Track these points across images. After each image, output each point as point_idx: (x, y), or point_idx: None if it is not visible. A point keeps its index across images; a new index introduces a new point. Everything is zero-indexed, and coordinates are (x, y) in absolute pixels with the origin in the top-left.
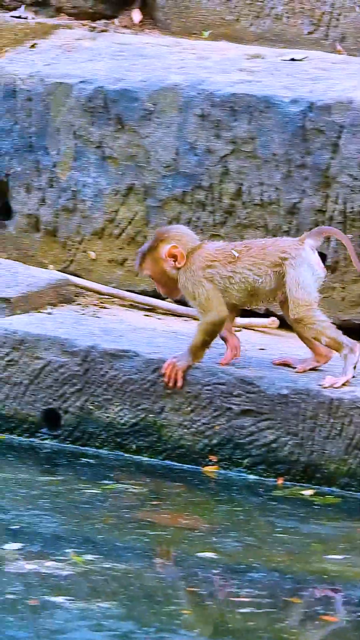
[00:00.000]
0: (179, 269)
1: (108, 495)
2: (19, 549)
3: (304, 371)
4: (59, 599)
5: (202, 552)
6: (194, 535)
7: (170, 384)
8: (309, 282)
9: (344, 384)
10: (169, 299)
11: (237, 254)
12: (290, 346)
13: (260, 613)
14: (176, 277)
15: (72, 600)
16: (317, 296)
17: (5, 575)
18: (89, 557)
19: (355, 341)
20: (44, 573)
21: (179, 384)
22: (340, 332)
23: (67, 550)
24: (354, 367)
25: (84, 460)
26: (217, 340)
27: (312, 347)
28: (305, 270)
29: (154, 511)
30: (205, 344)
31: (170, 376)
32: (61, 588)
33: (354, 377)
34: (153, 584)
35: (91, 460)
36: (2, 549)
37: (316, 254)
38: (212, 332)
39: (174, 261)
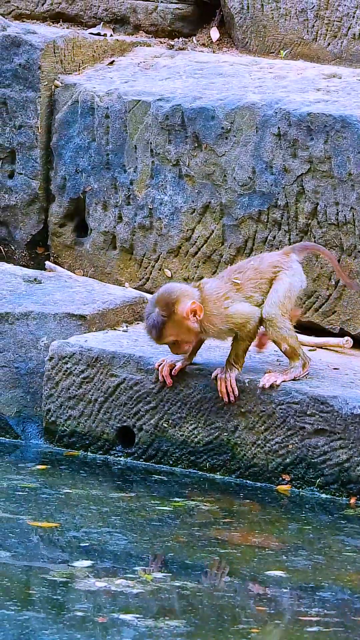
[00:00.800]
0: (200, 321)
1: (180, 513)
2: (89, 567)
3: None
4: (128, 617)
5: (272, 570)
6: (264, 553)
7: (231, 399)
8: (295, 292)
9: (283, 381)
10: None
11: (239, 282)
12: None
13: (328, 632)
14: (199, 329)
15: (141, 618)
16: (292, 306)
17: (74, 593)
18: (159, 575)
19: (309, 357)
20: (113, 591)
21: (236, 392)
22: (300, 344)
23: (136, 568)
24: (294, 379)
25: (156, 477)
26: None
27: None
28: (297, 281)
29: (225, 529)
30: (246, 348)
31: (226, 392)
32: (130, 606)
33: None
34: (222, 603)
35: (164, 478)
36: (73, 566)
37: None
38: (253, 335)
39: (194, 315)
